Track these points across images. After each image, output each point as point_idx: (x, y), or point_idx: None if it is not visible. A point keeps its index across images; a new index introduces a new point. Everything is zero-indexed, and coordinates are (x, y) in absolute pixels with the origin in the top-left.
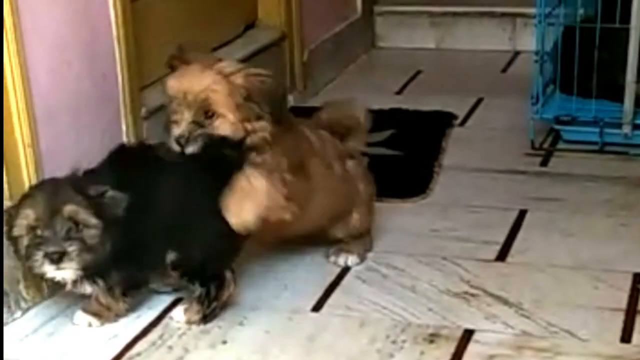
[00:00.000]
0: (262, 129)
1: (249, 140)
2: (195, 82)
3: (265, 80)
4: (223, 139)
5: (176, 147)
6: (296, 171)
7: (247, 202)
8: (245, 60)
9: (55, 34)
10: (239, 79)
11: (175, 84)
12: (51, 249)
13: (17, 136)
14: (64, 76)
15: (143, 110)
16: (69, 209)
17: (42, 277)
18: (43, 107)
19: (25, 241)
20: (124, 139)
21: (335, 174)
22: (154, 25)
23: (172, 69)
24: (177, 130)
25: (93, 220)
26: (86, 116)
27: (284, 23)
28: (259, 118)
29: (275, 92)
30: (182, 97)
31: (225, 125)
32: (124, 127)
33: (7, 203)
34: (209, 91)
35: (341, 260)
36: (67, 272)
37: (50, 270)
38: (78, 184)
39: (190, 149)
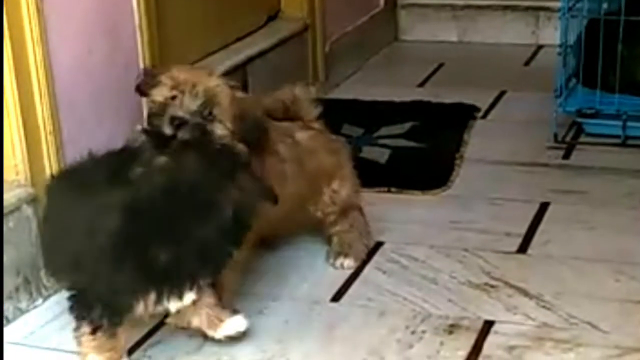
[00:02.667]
0: (241, 150)
1: None
2: (205, 78)
3: (254, 105)
4: (220, 145)
5: (168, 129)
6: None
7: None
8: (268, 51)
9: (78, 22)
10: (238, 94)
11: (184, 74)
12: None
13: (39, 123)
14: (86, 64)
15: None
16: None
17: None
18: (65, 94)
19: None
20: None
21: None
22: (176, 14)
23: (142, 92)
24: (176, 110)
25: None
26: (108, 104)
27: (306, 14)
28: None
29: (260, 121)
30: (191, 87)
31: (219, 132)
32: (145, 115)
33: (29, 190)
34: (218, 90)
35: (337, 263)
36: None
37: None
38: None
39: (182, 134)
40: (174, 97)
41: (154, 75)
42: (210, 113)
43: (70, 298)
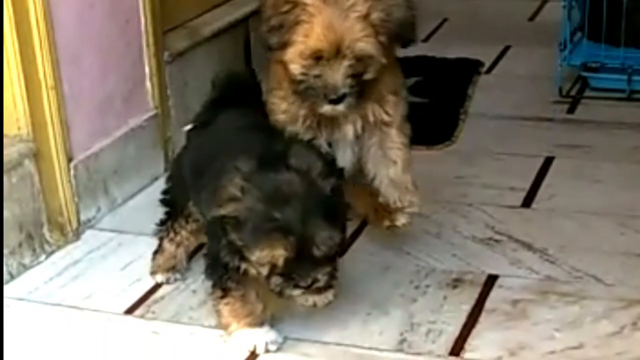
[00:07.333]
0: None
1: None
2: (345, 30)
3: (396, 9)
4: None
5: (326, 106)
6: None
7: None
8: None
9: None
10: (375, 16)
11: (325, 34)
12: None
13: (40, 78)
14: (88, 19)
15: (166, 54)
16: None
17: None
18: (66, 49)
19: None
20: (147, 83)
21: None
22: None
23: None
24: (333, 79)
25: None
26: (109, 59)
27: None
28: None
29: (405, 20)
30: (335, 49)
31: (373, 69)
32: (147, 71)
33: (30, 145)
34: (363, 41)
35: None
36: None
37: None
38: None
39: (342, 107)
40: (318, 57)
41: (280, 26)
42: (361, 63)
43: (205, 257)
